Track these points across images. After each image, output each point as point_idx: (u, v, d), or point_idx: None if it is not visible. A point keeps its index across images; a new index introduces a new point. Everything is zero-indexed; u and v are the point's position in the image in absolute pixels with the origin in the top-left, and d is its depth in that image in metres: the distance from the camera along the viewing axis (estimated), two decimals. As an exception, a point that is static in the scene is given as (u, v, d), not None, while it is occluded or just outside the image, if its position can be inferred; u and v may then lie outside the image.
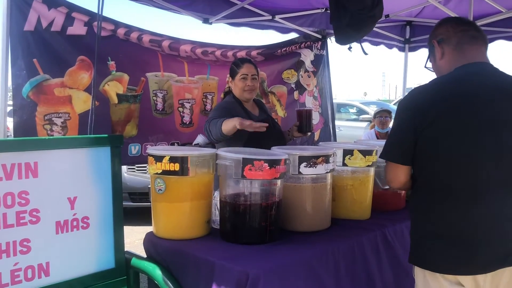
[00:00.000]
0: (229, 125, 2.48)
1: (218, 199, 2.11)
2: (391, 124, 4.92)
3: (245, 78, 2.73)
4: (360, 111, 9.41)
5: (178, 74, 3.33)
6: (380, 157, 1.86)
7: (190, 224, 2.03)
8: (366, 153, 2.29)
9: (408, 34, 4.98)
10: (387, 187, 2.60)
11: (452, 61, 1.75)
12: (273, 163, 1.90)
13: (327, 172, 2.12)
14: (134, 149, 3.16)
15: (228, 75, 2.85)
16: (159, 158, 1.98)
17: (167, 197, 2.01)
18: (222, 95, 2.95)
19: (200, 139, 3.30)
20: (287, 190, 2.10)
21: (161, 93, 3.26)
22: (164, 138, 3.26)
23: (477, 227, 1.60)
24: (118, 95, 3.05)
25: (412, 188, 1.81)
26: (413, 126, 1.65)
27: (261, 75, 3.93)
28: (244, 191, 1.96)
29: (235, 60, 2.89)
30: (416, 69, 5.36)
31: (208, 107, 3.56)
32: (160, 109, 3.27)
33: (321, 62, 4.35)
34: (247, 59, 2.96)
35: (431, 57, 1.86)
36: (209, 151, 2.08)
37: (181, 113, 3.38)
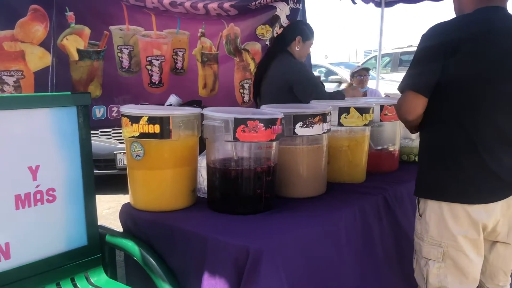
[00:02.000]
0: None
1: (203, 165, 1.87)
2: (369, 84, 4.77)
3: (311, 47, 3.06)
4: (329, 72, 9.23)
5: (145, 27, 2.98)
6: (399, 88, 1.70)
7: (174, 193, 1.78)
8: (363, 111, 2.10)
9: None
10: (379, 147, 2.45)
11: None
12: (269, 123, 1.66)
13: (324, 133, 1.91)
14: (98, 111, 2.83)
15: (297, 35, 2.93)
16: (135, 119, 1.70)
17: (146, 164, 1.75)
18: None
19: (173, 99, 3.01)
20: (281, 153, 1.88)
21: (127, 49, 2.91)
22: (132, 99, 2.94)
23: (503, 165, 1.60)
24: (78, 51, 2.68)
25: (423, 124, 1.72)
26: (442, 53, 1.57)
27: (235, 30, 3.63)
28: (235, 155, 1.73)
29: (310, 26, 3.07)
30: (387, 30, 5.18)
31: (179, 65, 3.25)
32: (126, 67, 2.93)
33: (297, 17, 4.08)
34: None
35: None
36: (193, 110, 1.82)
37: (150, 72, 3.05)
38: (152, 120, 1.68)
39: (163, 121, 1.68)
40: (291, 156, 1.92)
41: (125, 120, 1.74)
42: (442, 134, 1.65)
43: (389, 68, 10.20)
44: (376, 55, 5.53)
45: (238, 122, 1.63)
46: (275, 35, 4.09)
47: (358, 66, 4.69)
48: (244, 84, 3.80)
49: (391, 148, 2.44)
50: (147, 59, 3.05)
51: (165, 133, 1.69)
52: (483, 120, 1.58)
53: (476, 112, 1.58)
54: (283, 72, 2.80)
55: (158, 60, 3.10)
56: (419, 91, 1.62)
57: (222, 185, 1.74)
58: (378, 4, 4.82)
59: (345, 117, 2.09)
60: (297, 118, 1.85)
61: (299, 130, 1.86)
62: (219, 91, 3.57)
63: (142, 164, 1.75)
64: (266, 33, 3.98)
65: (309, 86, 2.78)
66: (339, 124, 2.10)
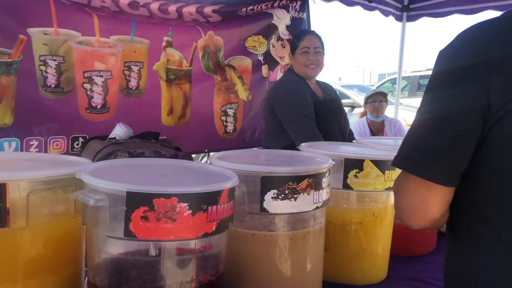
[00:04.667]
0: None
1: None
2: (386, 111, 3.91)
3: (307, 52, 2.39)
4: (340, 96, 8.38)
5: (83, 32, 2.18)
6: (394, 162, 0.90)
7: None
8: (384, 165, 1.25)
9: (406, 0, 3.98)
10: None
11: None
12: (202, 201, 0.82)
13: (317, 208, 1.07)
14: (8, 146, 2.02)
15: (288, 52, 2.57)
16: None
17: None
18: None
19: (119, 130, 2.19)
20: (240, 243, 1.05)
21: (54, 60, 2.10)
22: (61, 129, 2.14)
23: None
24: (-22, 62, 1.90)
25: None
26: (480, 105, 0.79)
27: (215, 41, 2.82)
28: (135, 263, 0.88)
29: (295, 33, 2.63)
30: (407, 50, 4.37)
31: (133, 83, 2.43)
32: (53, 85, 2.12)
33: (300, 27, 3.27)
34: (309, 30, 2.75)
35: None
36: (65, 169, 0.97)
37: (88, 92, 2.24)
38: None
39: (-6, 192, 0.84)
40: (259, 249, 1.07)
41: None
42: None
43: (406, 93, 9.34)
44: (391, 78, 4.66)
45: (134, 200, 0.79)
46: (272, 49, 3.30)
47: (373, 90, 3.80)
48: (228, 110, 2.97)
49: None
50: (85, 75, 2.24)
51: None
52: None
53: None
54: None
55: (101, 76, 2.28)
56: (436, 179, 0.84)
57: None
58: (399, 18, 4.00)
59: (355, 176, 1.24)
60: (267, 183, 1.01)
61: (272, 204, 1.02)
62: (192, 119, 2.74)
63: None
64: (259, 46, 3.17)
65: (287, 106, 2.26)
66: (346, 186, 1.25)
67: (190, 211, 0.81)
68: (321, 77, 2.52)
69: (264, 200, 1.02)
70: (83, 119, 2.26)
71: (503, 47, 0.79)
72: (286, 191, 1.02)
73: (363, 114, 3.89)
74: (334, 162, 1.13)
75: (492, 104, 0.78)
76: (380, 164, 1.24)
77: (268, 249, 1.07)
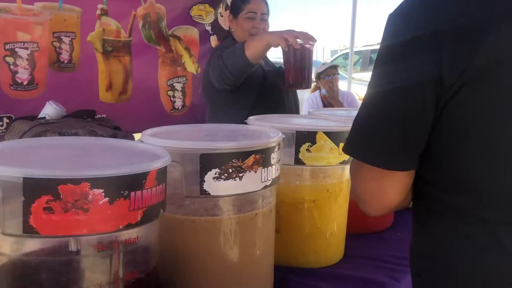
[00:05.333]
0: (258, 45, 1.79)
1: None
2: (340, 85, 3.82)
3: (253, 17, 2.09)
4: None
5: (1, -2, 1.93)
6: (344, 148, 0.81)
7: None
8: (339, 137, 1.14)
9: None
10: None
11: None
12: (123, 186, 0.67)
13: (266, 187, 0.94)
14: None
15: (228, 12, 2.30)
16: None
17: None
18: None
19: (49, 109, 1.97)
20: (178, 231, 0.91)
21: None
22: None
23: None
24: None
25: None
26: (431, 78, 0.69)
27: (156, 9, 2.60)
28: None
29: None
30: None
31: (65, 56, 2.19)
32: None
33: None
34: None
35: None
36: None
37: (11, 66, 2.00)
38: None
39: None
40: (200, 237, 0.93)
41: None
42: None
43: (359, 68, 9.38)
44: (344, 53, 4.61)
45: (33, 188, 0.63)
46: (220, 19, 3.11)
47: (324, 64, 3.70)
48: (175, 84, 2.77)
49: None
50: (7, 47, 1.98)
51: None
52: None
53: None
54: None
55: (26, 48, 2.03)
56: (390, 164, 0.75)
57: None
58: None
59: (307, 149, 1.12)
60: (207, 161, 0.88)
61: (213, 185, 0.88)
62: (135, 95, 2.53)
63: None
64: (206, 15, 2.97)
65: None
66: (298, 161, 1.13)
67: (106, 199, 0.66)
68: (270, 53, 2.14)
69: (204, 181, 0.88)
70: (7, 97, 2.02)
71: (454, 12, 0.68)
72: (230, 170, 0.89)
73: (314, 90, 3.79)
74: (284, 136, 1.00)
75: (445, 77, 0.67)
76: (333, 136, 1.13)
77: (211, 236, 0.94)
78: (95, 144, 0.87)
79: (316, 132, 1.11)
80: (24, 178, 0.63)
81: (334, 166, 1.15)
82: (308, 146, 1.11)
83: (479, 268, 0.73)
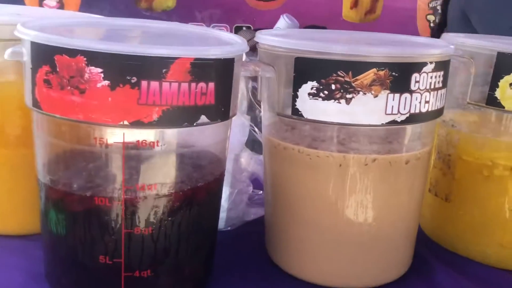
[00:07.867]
0: None
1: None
2: None
3: None
4: None
5: None
6: None
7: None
8: None
9: None
10: None
11: None
12: (129, 69, 0.51)
13: (393, 123, 0.62)
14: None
15: None
16: None
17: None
18: None
19: (282, 23, 1.91)
20: (281, 161, 0.71)
21: None
22: (224, 17, 1.96)
23: None
24: None
25: None
26: None
27: None
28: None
29: None
30: None
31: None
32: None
33: None
34: None
35: None
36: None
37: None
38: None
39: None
40: (299, 171, 0.70)
41: None
42: None
43: None
44: None
45: (37, 54, 0.54)
46: None
47: None
48: (438, 7, 2.30)
49: None
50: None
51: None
52: None
53: None
54: None
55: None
56: None
57: (53, 234, 0.69)
58: None
59: (511, 85, 0.69)
60: (303, 69, 0.62)
61: (308, 104, 0.63)
62: (384, 15, 2.22)
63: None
64: None
65: None
66: (492, 102, 0.71)
67: (106, 82, 0.51)
68: None
69: (297, 97, 0.63)
70: (249, 7, 2.05)
71: None
72: (333, 86, 0.61)
73: None
74: (444, 48, 0.62)
75: None
76: None
77: (311, 173, 0.69)
78: (174, 29, 0.71)
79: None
80: (31, 42, 0.54)
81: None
82: (507, 78, 0.68)
83: None
